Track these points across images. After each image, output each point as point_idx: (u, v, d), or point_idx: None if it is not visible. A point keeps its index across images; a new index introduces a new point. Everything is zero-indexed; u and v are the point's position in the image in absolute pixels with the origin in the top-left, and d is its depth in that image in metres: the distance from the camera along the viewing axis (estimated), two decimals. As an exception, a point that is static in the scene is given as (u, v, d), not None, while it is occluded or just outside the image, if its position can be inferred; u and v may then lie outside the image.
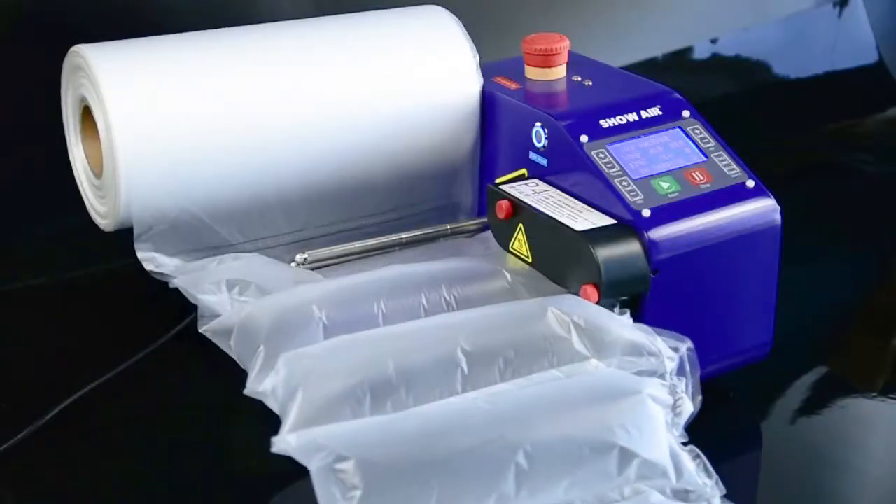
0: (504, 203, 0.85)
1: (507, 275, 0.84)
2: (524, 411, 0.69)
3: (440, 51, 0.94)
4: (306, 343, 0.76)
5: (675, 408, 0.72)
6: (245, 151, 0.89)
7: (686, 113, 0.89)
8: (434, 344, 0.74)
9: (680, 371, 0.74)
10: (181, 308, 0.88)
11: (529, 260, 0.84)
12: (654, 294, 0.79)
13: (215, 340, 0.82)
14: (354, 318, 0.79)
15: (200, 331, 0.82)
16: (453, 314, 0.79)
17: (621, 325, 0.76)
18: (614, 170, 0.83)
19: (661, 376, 0.74)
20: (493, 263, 0.85)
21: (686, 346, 0.74)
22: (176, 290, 0.88)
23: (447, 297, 0.82)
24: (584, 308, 0.77)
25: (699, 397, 0.74)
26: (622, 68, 1.00)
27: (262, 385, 0.72)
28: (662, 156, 0.85)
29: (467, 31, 0.96)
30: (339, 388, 0.70)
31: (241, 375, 0.80)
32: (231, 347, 0.80)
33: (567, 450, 0.68)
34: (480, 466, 0.66)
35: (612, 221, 0.80)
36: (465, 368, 0.73)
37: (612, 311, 0.78)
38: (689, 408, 0.73)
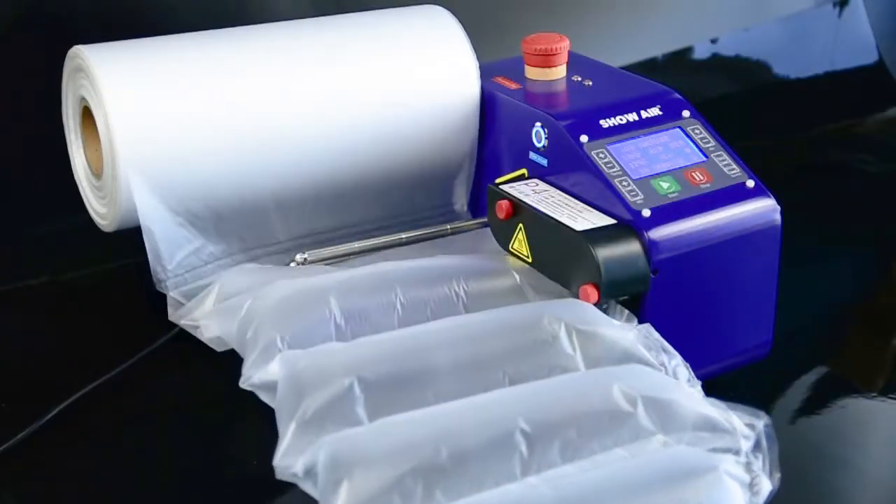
0: (504, 203, 0.85)
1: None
2: (593, 496, 0.64)
3: (440, 51, 0.94)
4: (342, 413, 0.70)
5: (752, 486, 0.68)
6: (245, 151, 0.89)
7: (686, 113, 0.89)
8: (489, 423, 0.68)
9: (755, 447, 0.70)
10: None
11: (529, 260, 0.84)
12: (654, 294, 0.79)
13: (262, 397, 0.76)
14: (400, 376, 0.73)
15: (242, 386, 0.76)
16: (509, 389, 0.73)
17: (691, 399, 0.71)
18: (614, 170, 0.83)
19: (736, 452, 0.69)
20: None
21: (763, 422, 0.70)
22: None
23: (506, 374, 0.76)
24: (649, 379, 0.72)
25: (777, 475, 0.69)
26: (622, 68, 1.00)
27: (296, 466, 0.67)
28: (662, 156, 0.85)
29: (467, 31, 0.96)
30: (387, 478, 0.64)
31: (240, 374, 0.80)
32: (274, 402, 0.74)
33: None
34: None
35: (612, 221, 0.80)
36: (525, 451, 0.67)
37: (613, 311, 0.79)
38: (766, 486, 0.68)
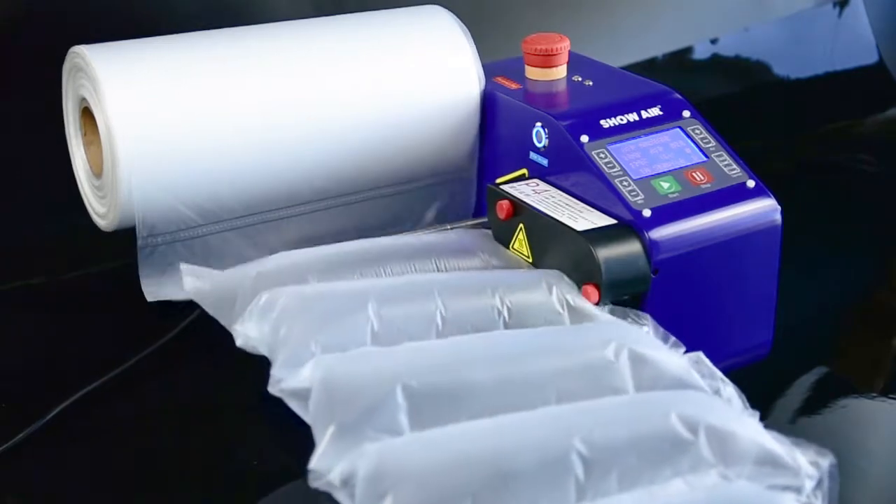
0: (504, 203, 0.85)
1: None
2: None
3: (441, 51, 0.94)
4: (383, 420, 0.67)
5: None
6: (245, 151, 0.89)
7: (686, 113, 0.89)
8: (544, 442, 0.64)
9: (817, 486, 0.67)
10: (181, 307, 0.88)
11: (530, 260, 0.84)
12: (654, 294, 0.79)
13: (291, 405, 0.73)
14: (442, 390, 0.69)
15: (271, 391, 0.73)
16: (563, 406, 0.69)
17: (754, 431, 0.68)
18: (615, 170, 0.83)
19: (797, 490, 0.66)
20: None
21: (829, 461, 0.67)
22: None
23: None
24: (710, 407, 0.69)
25: None
26: (622, 68, 1.00)
27: (332, 473, 0.64)
28: (663, 156, 0.85)
29: (467, 30, 0.96)
30: (435, 495, 0.61)
31: (241, 374, 0.80)
32: (306, 411, 0.71)
33: None
34: None
35: (612, 221, 0.80)
36: (581, 475, 0.63)
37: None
38: None
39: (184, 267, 0.84)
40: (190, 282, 0.83)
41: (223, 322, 0.81)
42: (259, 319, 0.77)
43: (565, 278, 0.80)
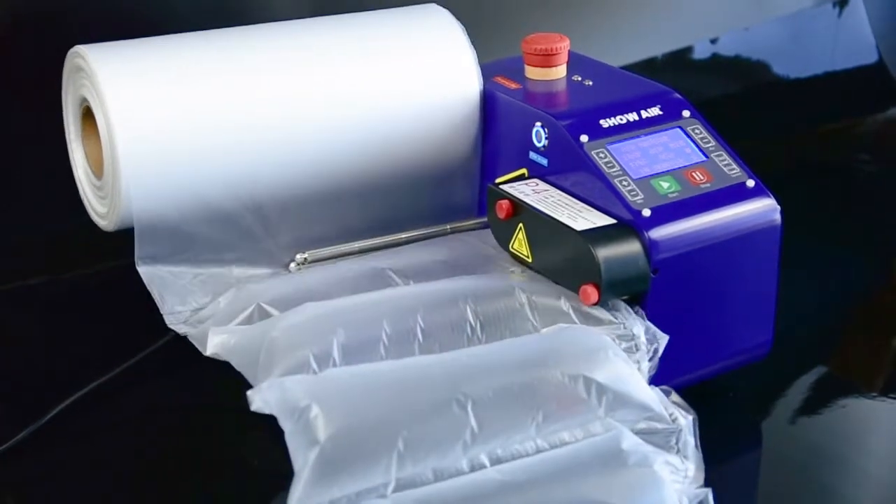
0: (504, 203, 0.85)
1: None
2: None
3: (440, 51, 0.94)
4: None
5: None
6: (245, 151, 0.89)
7: (686, 113, 0.89)
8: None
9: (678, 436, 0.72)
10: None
11: (529, 260, 0.84)
12: (654, 293, 0.79)
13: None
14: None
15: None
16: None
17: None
18: (614, 169, 0.83)
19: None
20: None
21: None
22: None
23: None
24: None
25: None
26: (622, 68, 1.00)
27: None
28: (662, 155, 0.85)
29: (467, 30, 0.96)
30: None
31: (241, 374, 0.80)
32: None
33: None
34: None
35: (612, 221, 0.80)
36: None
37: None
38: None
39: (212, 329, 0.83)
40: (216, 340, 0.82)
41: (249, 379, 0.80)
42: (279, 401, 0.73)
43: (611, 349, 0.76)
